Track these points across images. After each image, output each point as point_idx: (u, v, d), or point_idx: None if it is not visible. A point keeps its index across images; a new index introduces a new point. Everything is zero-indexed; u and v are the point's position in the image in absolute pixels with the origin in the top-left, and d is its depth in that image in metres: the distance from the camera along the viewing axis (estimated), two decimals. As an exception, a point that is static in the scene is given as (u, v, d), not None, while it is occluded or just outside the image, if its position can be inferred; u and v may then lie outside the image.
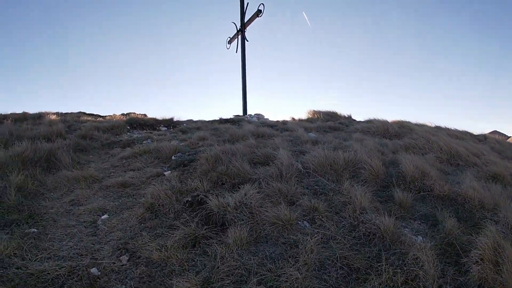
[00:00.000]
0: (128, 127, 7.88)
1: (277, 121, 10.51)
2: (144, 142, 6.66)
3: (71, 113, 10.63)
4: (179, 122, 8.86)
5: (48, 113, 9.17)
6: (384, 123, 8.75)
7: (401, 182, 4.86)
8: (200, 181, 4.42)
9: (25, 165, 4.95)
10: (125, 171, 5.16)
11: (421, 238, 3.65)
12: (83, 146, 6.19)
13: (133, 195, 4.38)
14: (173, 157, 5.52)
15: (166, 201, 4.04)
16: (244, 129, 7.36)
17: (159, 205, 4.01)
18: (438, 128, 10.55)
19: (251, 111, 13.05)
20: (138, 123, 8.24)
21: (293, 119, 10.56)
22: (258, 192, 4.13)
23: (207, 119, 10.56)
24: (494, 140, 10.07)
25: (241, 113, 13.05)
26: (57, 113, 9.62)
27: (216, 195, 4.15)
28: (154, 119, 8.76)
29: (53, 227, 3.77)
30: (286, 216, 3.72)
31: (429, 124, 10.89)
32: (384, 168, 5.20)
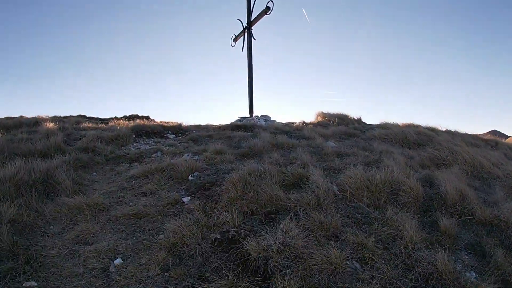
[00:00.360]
0: (134, 136, 7.01)
1: (288, 124, 9.77)
2: (153, 155, 5.83)
3: (70, 117, 9.72)
4: (188, 129, 8.01)
5: (45, 119, 8.24)
6: (401, 129, 8.08)
7: (442, 206, 4.33)
8: (228, 211, 3.65)
9: (18, 190, 4.10)
10: (136, 195, 4.34)
11: (474, 274, 3.30)
12: (85, 162, 5.33)
13: (149, 230, 3.58)
14: (190, 177, 4.72)
15: (191, 240, 3.26)
16: (261, 138, 6.58)
17: (182, 245, 3.23)
18: (449, 132, 9.97)
19: (257, 111, 12.25)
20: (144, 131, 7.38)
21: (304, 123, 9.80)
22: (299, 228, 3.40)
23: (215, 124, 9.79)
24: (506, 146, 9.49)
25: (247, 114, 12.24)
26: (55, 118, 8.71)
27: (250, 231, 3.40)
28: (161, 126, 7.88)
29: (56, 277, 2.96)
30: (336, 259, 3.05)
31: (440, 128, 10.30)
32: (422, 189, 4.58)
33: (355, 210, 4.14)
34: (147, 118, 11.69)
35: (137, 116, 11.81)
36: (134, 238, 3.45)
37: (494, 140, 9.36)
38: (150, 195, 4.29)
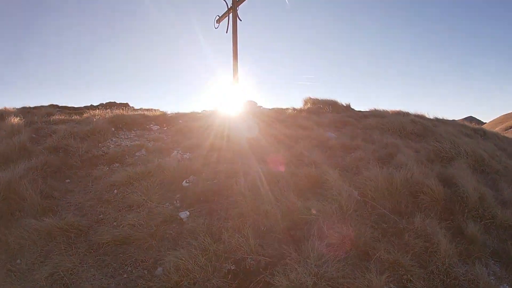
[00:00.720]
0: (113, 129, 5.94)
1: (278, 111, 8.94)
2: (136, 154, 4.86)
3: (41, 107, 8.35)
4: (174, 119, 6.99)
5: (11, 112, 6.92)
6: (397, 118, 7.50)
7: (465, 210, 3.91)
8: (241, 232, 2.89)
9: (-31, 212, 3.10)
10: (120, 210, 3.45)
11: (507, 287, 3.05)
12: (56, 166, 4.30)
13: (142, 262, 2.76)
14: (184, 183, 3.87)
15: (199, 275, 2.50)
16: (257, 130, 5.79)
17: (188, 283, 2.46)
18: (438, 120, 9.57)
19: (242, 97, 11.28)
20: (124, 122, 6.31)
21: (295, 109, 9.02)
22: (327, 248, 2.74)
23: (199, 111, 8.82)
24: (494, 136, 9.18)
25: (232, 99, 11.26)
26: (23, 110, 7.39)
27: (271, 258, 2.68)
28: (143, 115, 6.81)
29: None
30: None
31: (427, 116, 9.90)
32: (442, 189, 4.04)
33: (380, 218, 3.59)
34: (126, 105, 10.45)
35: (115, 104, 10.50)
36: (125, 275, 2.62)
37: (481, 129, 9.03)
38: (138, 210, 3.42)
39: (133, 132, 6.13)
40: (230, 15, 10.57)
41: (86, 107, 9.55)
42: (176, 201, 3.60)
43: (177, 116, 7.18)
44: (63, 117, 6.69)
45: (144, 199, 3.58)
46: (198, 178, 3.96)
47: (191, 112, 8.23)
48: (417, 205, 3.84)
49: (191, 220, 3.16)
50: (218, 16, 11.37)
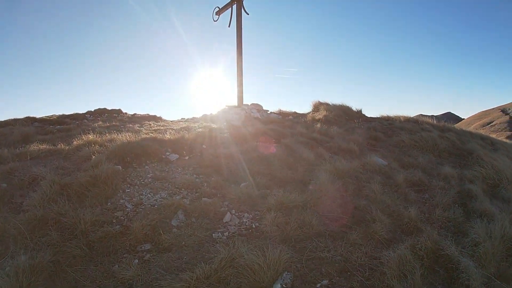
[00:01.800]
0: (120, 167, 3.89)
1: (296, 120, 7.27)
2: (173, 223, 2.97)
3: (14, 121, 5.81)
4: (192, 143, 5.00)
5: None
6: (428, 134, 6.26)
7: None
8: None
9: None
10: None
11: None
12: (52, 264, 2.34)
13: None
14: (277, 287, 2.19)
15: None
16: (306, 159, 4.14)
17: None
18: (451, 130, 8.50)
19: (245, 99, 9.35)
20: (132, 154, 4.25)
21: (314, 119, 7.40)
22: None
23: (199, 117, 6.88)
24: (502, 147, 8.28)
25: (234, 103, 9.31)
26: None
27: None
28: (154, 140, 4.73)
29: None
30: None
31: (430, 121, 8.90)
32: None
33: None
34: (119, 112, 8.05)
35: (105, 111, 7.99)
36: None
37: (488, 138, 8.12)
38: None
39: (148, 169, 4.10)
40: (234, 6, 8.35)
41: (71, 117, 6.99)
42: None
43: (195, 138, 5.18)
44: (44, 146, 4.41)
45: None
46: (294, 276, 2.28)
47: (204, 128, 6.26)
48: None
49: None
50: (218, 7, 9.06)
